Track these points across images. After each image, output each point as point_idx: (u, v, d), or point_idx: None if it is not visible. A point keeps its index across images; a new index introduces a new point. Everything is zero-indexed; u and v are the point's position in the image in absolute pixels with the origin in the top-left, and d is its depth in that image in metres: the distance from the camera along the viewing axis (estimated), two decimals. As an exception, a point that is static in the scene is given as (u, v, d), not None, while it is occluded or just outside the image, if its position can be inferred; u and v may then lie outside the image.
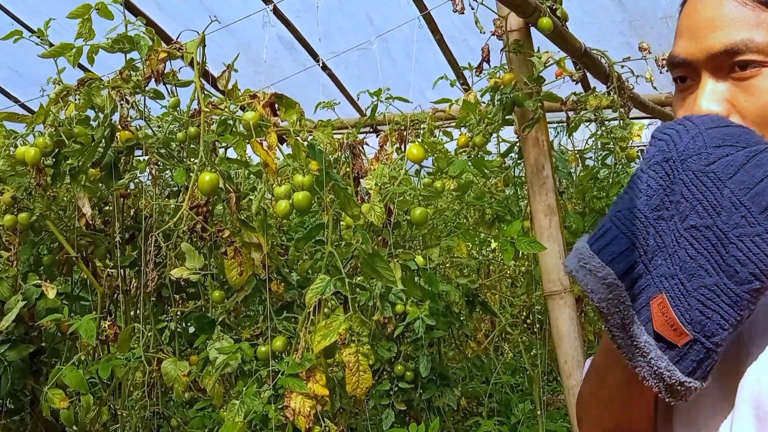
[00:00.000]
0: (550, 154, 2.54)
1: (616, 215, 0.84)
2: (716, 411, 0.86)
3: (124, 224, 2.63)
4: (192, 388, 2.25)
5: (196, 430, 3.10)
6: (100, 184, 2.48)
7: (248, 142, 1.99)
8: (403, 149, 2.89)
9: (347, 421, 2.98)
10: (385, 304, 2.72)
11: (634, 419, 0.95)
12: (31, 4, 4.19)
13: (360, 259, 2.01)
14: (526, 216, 2.77)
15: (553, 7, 2.43)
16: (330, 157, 2.28)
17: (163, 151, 2.39)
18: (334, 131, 2.34)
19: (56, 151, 2.34)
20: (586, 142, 3.56)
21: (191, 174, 2.02)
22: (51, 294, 2.34)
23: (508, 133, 3.00)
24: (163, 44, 2.23)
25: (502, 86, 2.57)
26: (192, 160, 2.30)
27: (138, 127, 2.47)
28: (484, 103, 2.83)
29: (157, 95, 2.38)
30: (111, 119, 2.30)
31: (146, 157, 2.39)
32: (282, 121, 2.01)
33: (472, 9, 2.38)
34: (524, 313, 4.53)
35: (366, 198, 2.22)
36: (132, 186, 2.62)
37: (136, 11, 3.83)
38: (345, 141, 2.42)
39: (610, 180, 3.41)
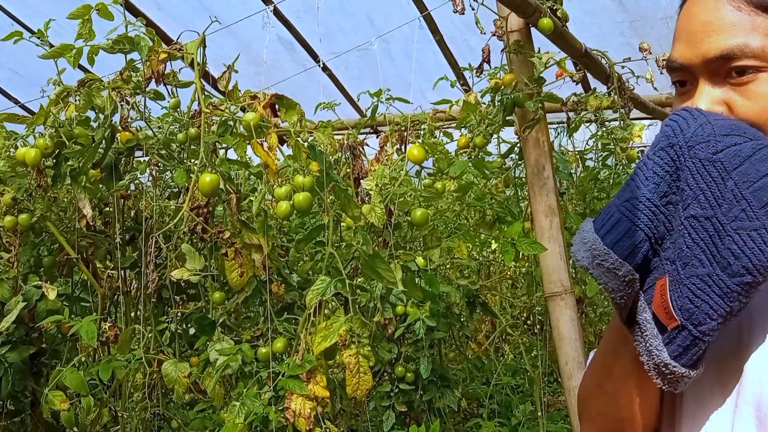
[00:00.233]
0: (551, 155, 2.54)
1: (624, 205, 0.84)
2: (719, 410, 0.86)
3: (124, 225, 2.63)
4: (192, 389, 2.25)
5: (197, 432, 3.10)
6: (101, 185, 2.48)
7: (249, 143, 1.99)
8: (403, 150, 2.89)
9: (348, 422, 2.97)
10: (386, 305, 2.72)
11: (639, 413, 0.95)
12: (31, 5, 4.18)
13: (360, 260, 2.01)
14: (527, 217, 2.77)
15: (554, 8, 2.43)
16: (330, 158, 2.28)
17: (163, 152, 2.38)
18: (334, 132, 2.33)
19: (57, 152, 2.34)
20: (587, 143, 3.56)
21: (192, 175, 2.02)
22: (51, 295, 2.34)
23: (509, 133, 3.00)
24: (164, 45, 2.23)
25: (502, 87, 2.57)
26: (192, 161, 2.30)
27: (138, 128, 2.47)
28: (484, 103, 2.83)
29: (158, 96, 2.38)
30: (111, 120, 2.30)
31: (146, 158, 2.39)
32: (282, 122, 2.01)
33: (473, 9, 2.38)
34: (525, 315, 4.54)
35: (366, 199, 2.22)
36: (132, 187, 2.61)
37: (136, 12, 3.83)
38: (345, 142, 2.42)
39: (611, 181, 3.41)
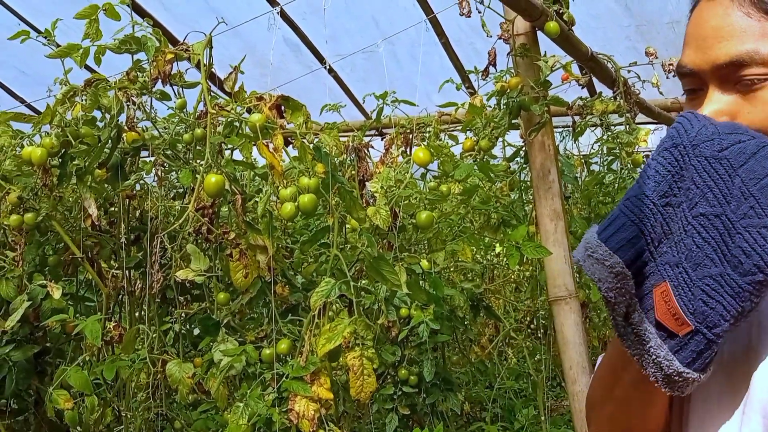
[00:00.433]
0: (556, 159, 2.54)
1: (624, 203, 0.84)
2: (727, 416, 0.85)
3: (129, 225, 2.63)
4: (196, 390, 2.25)
5: (200, 432, 3.10)
6: (106, 185, 2.48)
7: (254, 144, 1.99)
8: (408, 152, 2.88)
9: (351, 424, 2.97)
10: (390, 307, 2.71)
11: (650, 419, 0.94)
12: (38, 5, 4.19)
13: (365, 262, 2.01)
14: (532, 220, 2.76)
15: (560, 11, 2.43)
16: (336, 159, 2.28)
17: (169, 152, 2.39)
18: (339, 134, 2.34)
19: (63, 151, 2.34)
20: (592, 147, 3.56)
21: (197, 176, 2.02)
22: (56, 294, 2.35)
23: (514, 137, 3.00)
24: (170, 46, 2.23)
25: (508, 90, 2.57)
26: (198, 161, 2.30)
27: (144, 128, 2.48)
28: (490, 106, 2.82)
29: (164, 96, 2.38)
30: (117, 120, 2.30)
31: (152, 159, 2.40)
32: (288, 124, 2.01)
33: (479, 12, 2.38)
34: (528, 318, 4.53)
35: (371, 201, 2.22)
36: (138, 187, 2.62)
37: (142, 12, 3.84)
38: (350, 144, 2.42)
39: (616, 185, 3.41)
